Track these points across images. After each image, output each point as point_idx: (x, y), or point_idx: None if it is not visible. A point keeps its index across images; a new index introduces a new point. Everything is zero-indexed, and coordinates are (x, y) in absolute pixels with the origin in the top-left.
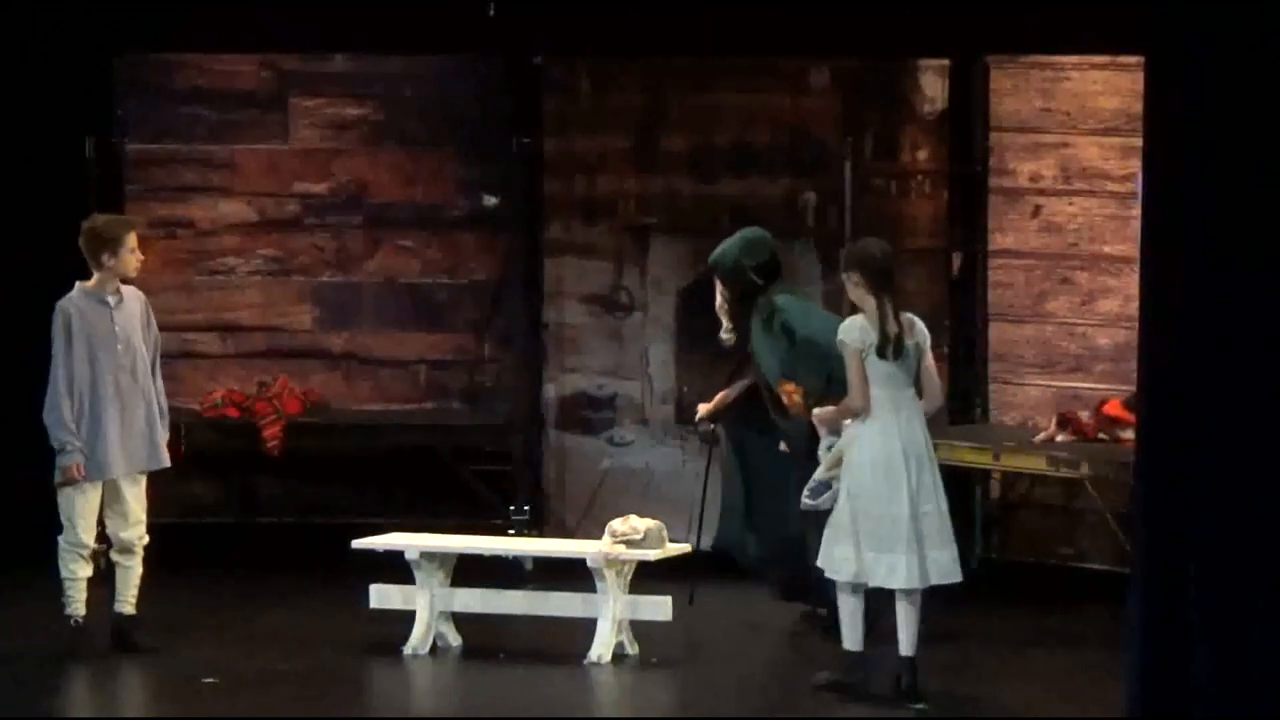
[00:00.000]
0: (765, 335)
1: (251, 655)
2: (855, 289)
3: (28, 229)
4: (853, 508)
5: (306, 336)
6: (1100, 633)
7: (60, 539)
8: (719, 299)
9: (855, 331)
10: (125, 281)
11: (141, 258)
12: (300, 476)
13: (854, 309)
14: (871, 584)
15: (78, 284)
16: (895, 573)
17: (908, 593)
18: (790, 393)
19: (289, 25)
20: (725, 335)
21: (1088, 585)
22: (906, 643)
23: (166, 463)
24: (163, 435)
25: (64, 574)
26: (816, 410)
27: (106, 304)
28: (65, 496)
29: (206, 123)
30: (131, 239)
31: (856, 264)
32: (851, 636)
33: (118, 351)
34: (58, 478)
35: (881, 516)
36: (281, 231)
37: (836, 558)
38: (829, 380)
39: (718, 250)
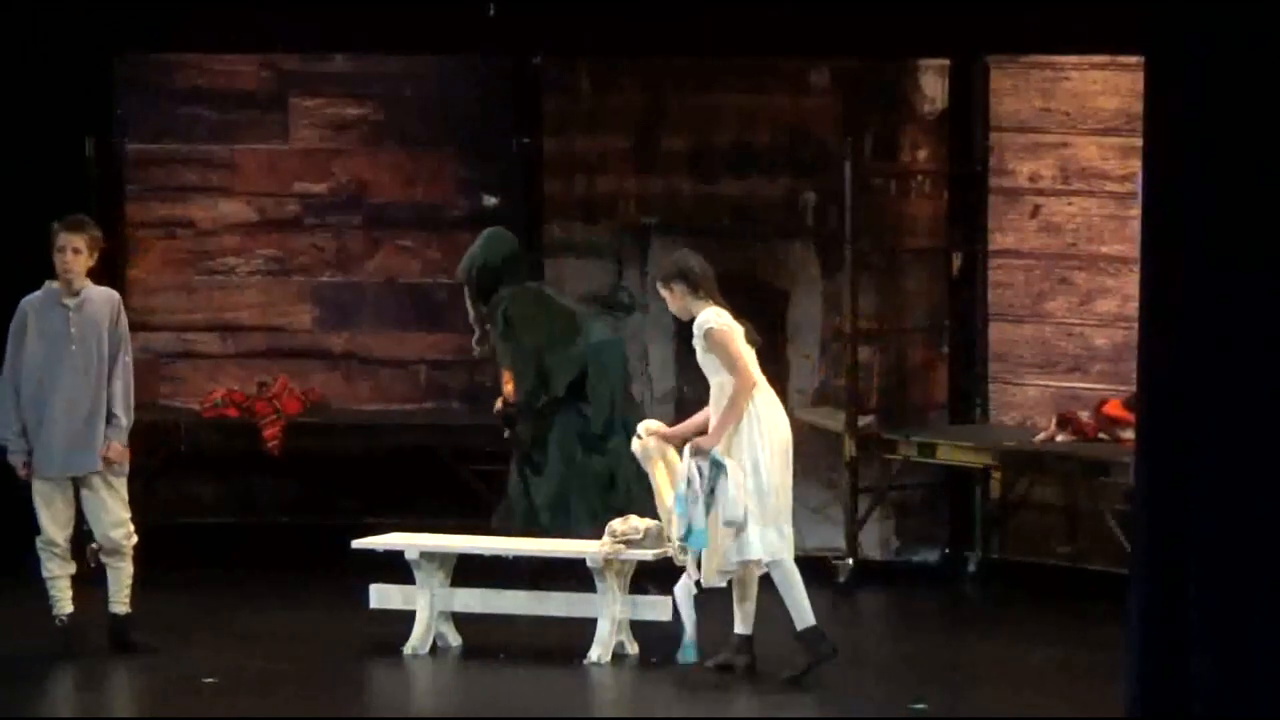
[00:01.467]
0: (497, 326)
1: (251, 655)
2: (680, 299)
3: (28, 229)
4: (751, 485)
5: (306, 336)
6: (1100, 633)
7: (37, 539)
8: (470, 312)
9: (724, 317)
10: (97, 281)
11: (69, 261)
12: (300, 476)
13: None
14: (749, 558)
15: (46, 282)
16: (750, 545)
17: (775, 565)
18: (507, 380)
19: (289, 25)
20: (476, 346)
21: (1088, 585)
22: (798, 616)
23: (96, 466)
24: (100, 437)
25: (44, 574)
26: (699, 439)
27: (64, 305)
28: (33, 496)
29: (206, 123)
30: (63, 239)
31: (678, 275)
32: (799, 615)
33: (71, 352)
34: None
35: (767, 491)
36: (281, 231)
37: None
38: (542, 379)
39: (463, 260)
